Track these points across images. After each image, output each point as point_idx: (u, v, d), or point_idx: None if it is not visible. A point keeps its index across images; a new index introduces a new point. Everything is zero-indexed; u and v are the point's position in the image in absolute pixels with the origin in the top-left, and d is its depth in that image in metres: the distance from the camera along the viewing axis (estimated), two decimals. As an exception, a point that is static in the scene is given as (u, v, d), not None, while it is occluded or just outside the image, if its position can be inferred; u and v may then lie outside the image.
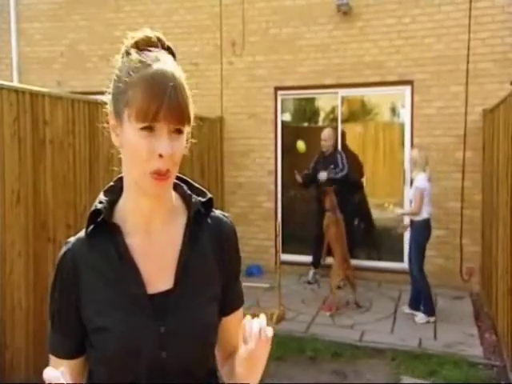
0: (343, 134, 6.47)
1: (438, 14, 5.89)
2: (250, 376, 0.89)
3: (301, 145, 5.96)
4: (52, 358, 0.96)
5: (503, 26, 5.66)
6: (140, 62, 0.89)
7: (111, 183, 1.00)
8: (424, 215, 4.80)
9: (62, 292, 0.93)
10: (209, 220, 1.02)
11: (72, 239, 0.97)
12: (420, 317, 4.77)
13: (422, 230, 4.83)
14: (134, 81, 0.87)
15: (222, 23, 6.63)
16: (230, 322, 1.04)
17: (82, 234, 0.96)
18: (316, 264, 5.99)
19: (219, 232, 1.03)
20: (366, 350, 4.20)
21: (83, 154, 3.88)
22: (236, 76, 6.67)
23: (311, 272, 5.99)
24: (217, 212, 1.05)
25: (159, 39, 0.94)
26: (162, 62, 0.89)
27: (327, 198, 5.38)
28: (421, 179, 4.80)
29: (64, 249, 0.95)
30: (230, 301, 1.04)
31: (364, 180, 6.54)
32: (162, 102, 0.84)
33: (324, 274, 5.83)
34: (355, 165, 6.24)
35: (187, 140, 0.94)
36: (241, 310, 1.07)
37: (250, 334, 0.84)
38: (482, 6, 5.70)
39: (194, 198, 1.01)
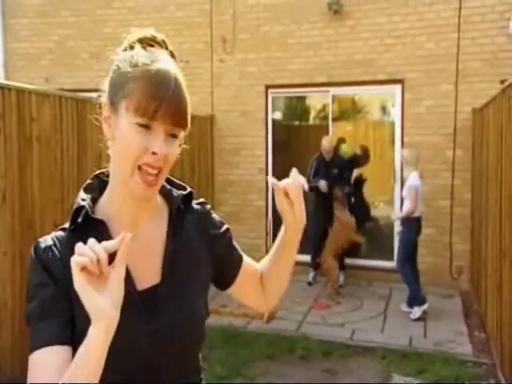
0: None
1: (428, 12, 5.90)
2: (299, 234, 1.04)
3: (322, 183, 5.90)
4: (37, 355, 0.80)
5: (493, 26, 5.68)
6: (144, 56, 0.88)
7: (88, 181, 0.99)
8: (415, 213, 4.86)
9: (55, 278, 0.85)
10: (189, 212, 1.03)
11: (50, 236, 0.91)
12: (414, 311, 4.79)
13: (412, 228, 4.90)
14: (137, 74, 0.86)
15: (213, 20, 6.59)
16: (247, 267, 1.13)
17: (60, 232, 0.92)
18: (315, 265, 6.00)
19: (199, 219, 1.05)
20: (357, 348, 4.20)
21: (71, 151, 3.82)
22: (227, 74, 6.63)
23: (311, 274, 5.98)
24: (194, 204, 1.06)
25: (163, 41, 0.95)
26: (166, 63, 0.89)
27: (339, 199, 5.60)
28: (413, 177, 4.86)
29: (47, 242, 0.89)
30: (235, 264, 1.11)
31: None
32: (162, 101, 0.84)
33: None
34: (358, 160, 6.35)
35: (180, 145, 0.93)
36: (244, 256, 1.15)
37: (295, 199, 0.97)
38: (472, 5, 5.73)
39: (175, 192, 1.01)
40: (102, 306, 0.72)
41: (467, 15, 5.72)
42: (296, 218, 0.99)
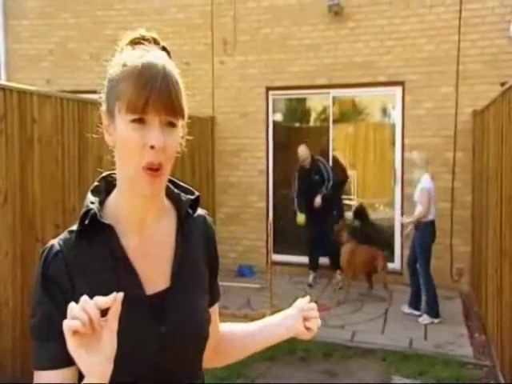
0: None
1: (428, 15, 5.92)
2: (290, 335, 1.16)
3: (301, 218, 5.99)
4: (41, 374, 0.84)
5: (493, 28, 5.70)
6: (132, 55, 0.88)
7: (96, 183, 0.99)
8: (429, 217, 4.74)
9: (54, 296, 0.87)
10: (195, 217, 1.03)
11: (57, 240, 0.92)
12: (424, 317, 4.76)
13: (426, 232, 4.77)
14: (124, 74, 0.86)
15: (214, 22, 6.60)
16: (213, 313, 1.07)
17: (67, 235, 0.92)
18: (315, 267, 6.01)
19: (206, 229, 1.05)
20: (357, 350, 4.19)
21: (72, 152, 3.83)
22: (227, 75, 6.64)
23: (311, 275, 5.99)
24: (199, 210, 1.06)
25: (154, 39, 0.94)
26: (153, 55, 0.89)
27: (341, 234, 5.48)
28: (425, 180, 4.75)
29: (53, 250, 0.90)
30: (214, 295, 1.07)
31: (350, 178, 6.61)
32: (151, 92, 0.84)
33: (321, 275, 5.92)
34: (338, 168, 6.30)
35: (182, 136, 0.93)
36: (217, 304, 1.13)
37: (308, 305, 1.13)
38: (472, 7, 5.74)
39: (183, 196, 1.01)
40: (94, 366, 0.74)
41: (467, 17, 5.74)
42: (305, 336, 1.16)
